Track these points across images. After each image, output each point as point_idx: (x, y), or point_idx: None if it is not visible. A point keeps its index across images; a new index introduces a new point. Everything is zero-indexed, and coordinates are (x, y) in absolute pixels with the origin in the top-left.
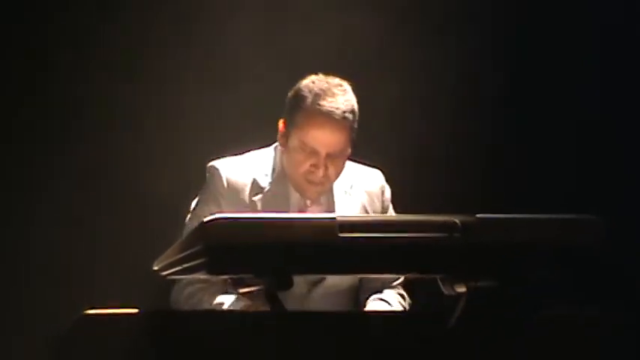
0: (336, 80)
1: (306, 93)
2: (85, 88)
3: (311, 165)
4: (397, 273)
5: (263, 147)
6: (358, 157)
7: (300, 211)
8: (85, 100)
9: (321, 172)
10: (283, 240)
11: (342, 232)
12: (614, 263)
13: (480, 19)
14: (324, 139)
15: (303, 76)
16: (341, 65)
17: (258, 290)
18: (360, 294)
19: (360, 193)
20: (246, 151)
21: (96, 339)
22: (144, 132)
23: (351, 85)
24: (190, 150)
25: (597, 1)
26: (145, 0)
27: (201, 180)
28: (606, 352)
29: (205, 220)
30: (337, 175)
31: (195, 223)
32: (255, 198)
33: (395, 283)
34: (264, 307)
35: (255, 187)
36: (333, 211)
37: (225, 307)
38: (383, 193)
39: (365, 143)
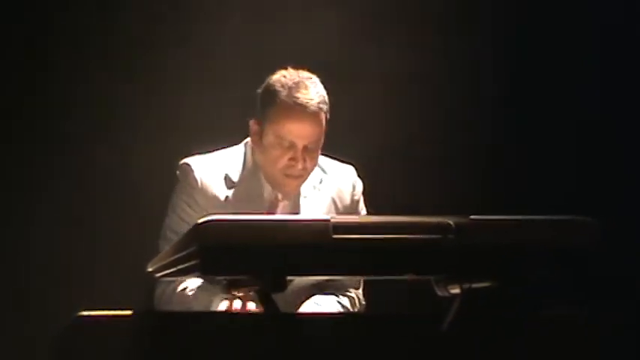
0: (306, 73)
1: (278, 87)
2: (85, 88)
3: (289, 159)
4: (391, 274)
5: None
6: (358, 156)
7: (272, 205)
8: (85, 100)
9: (300, 165)
10: (277, 241)
11: (335, 234)
12: (609, 265)
13: (480, 19)
14: (301, 131)
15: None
16: (341, 64)
17: (250, 291)
18: (316, 291)
19: (330, 187)
20: (216, 150)
21: (90, 341)
22: (144, 132)
23: (350, 84)
24: (190, 150)
25: (597, 1)
26: (145, 0)
27: None
28: (606, 353)
29: (199, 221)
30: (313, 167)
31: (174, 222)
32: (229, 192)
33: (354, 286)
34: (251, 307)
35: (228, 182)
36: (298, 205)
37: (188, 292)
38: (354, 187)
39: (365, 143)
